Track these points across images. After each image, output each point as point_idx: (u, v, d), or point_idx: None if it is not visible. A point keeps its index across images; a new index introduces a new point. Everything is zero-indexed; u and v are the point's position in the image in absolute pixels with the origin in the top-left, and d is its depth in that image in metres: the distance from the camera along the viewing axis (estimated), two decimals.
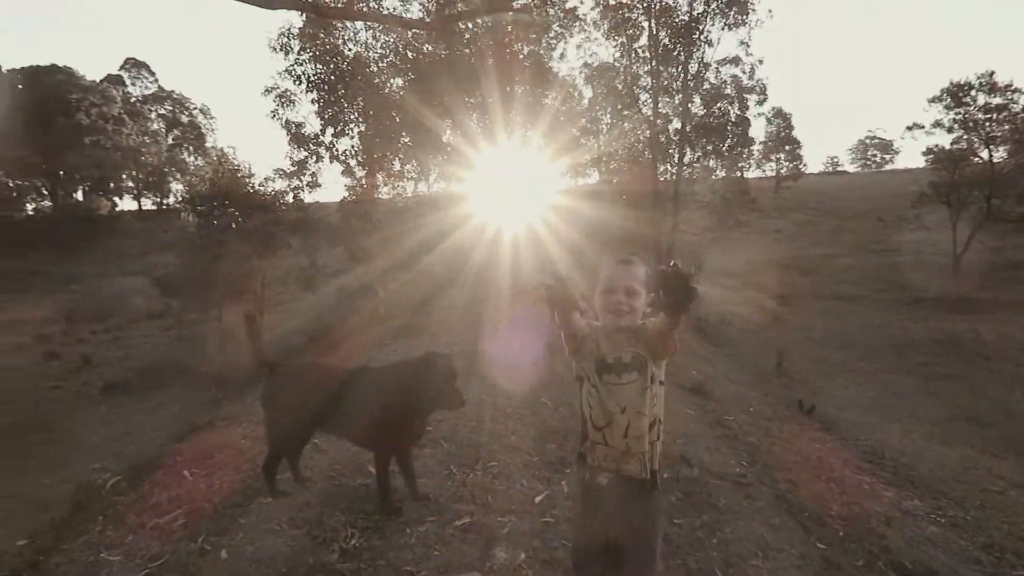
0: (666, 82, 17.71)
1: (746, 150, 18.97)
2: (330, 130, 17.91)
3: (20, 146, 39.48)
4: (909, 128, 25.96)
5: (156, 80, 55.58)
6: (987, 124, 24.02)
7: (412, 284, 18.09)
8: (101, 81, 49.64)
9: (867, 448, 6.71)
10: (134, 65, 55.04)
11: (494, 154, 16.89)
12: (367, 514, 3.26)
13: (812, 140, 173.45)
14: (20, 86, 44.70)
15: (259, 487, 3.55)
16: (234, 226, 14.67)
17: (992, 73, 23.76)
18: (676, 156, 18.13)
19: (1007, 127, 23.87)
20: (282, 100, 17.86)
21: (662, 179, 18.65)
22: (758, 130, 52.01)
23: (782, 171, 48.46)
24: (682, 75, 17.38)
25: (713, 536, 3.37)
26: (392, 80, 17.97)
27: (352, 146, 18.28)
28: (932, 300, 19.39)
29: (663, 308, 1.85)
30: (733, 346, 13.65)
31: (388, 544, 2.96)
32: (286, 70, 17.42)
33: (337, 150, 18.14)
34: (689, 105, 17.54)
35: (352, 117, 17.82)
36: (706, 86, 17.59)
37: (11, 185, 45.33)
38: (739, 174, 19.35)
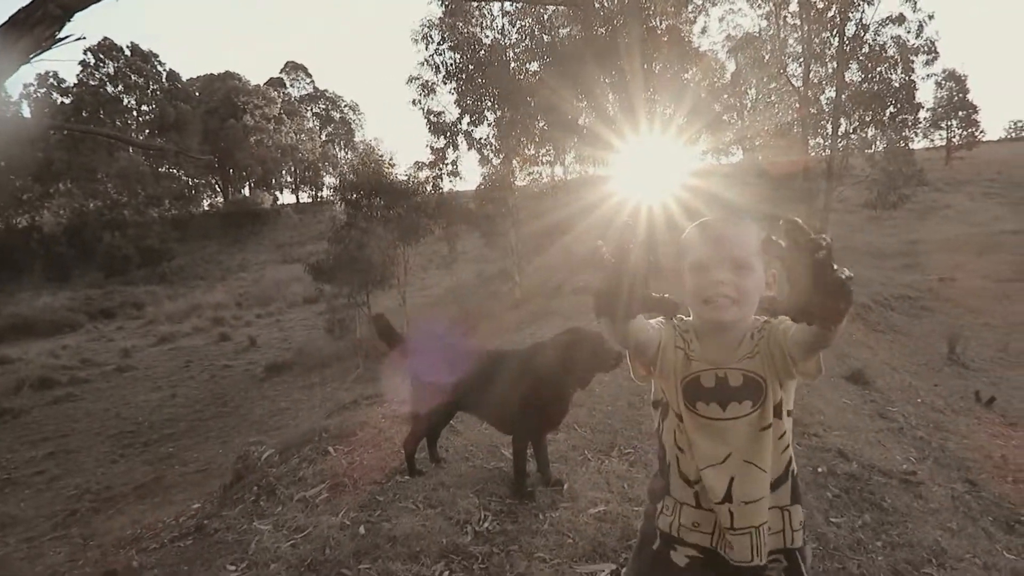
0: (818, 48, 16.42)
1: (911, 118, 17.14)
2: (467, 117, 18.37)
3: (198, 148, 43.84)
4: None
5: (312, 81, 59.89)
6: None
7: (547, 269, 18.15)
8: (264, 84, 53.89)
9: None
10: (293, 68, 59.46)
11: (631, 135, 16.48)
12: (500, 497, 3.25)
13: (992, 104, 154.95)
14: (197, 93, 49.54)
15: (396, 466, 3.65)
16: (378, 215, 15.39)
17: None
18: (829, 128, 16.78)
19: None
20: (423, 89, 18.50)
21: (813, 154, 17.38)
22: (926, 95, 47.28)
23: (954, 140, 43.64)
24: (837, 39, 16.02)
25: (877, 539, 3.06)
26: (527, 65, 18.06)
27: (488, 133, 18.67)
28: None
29: (804, 314, 0.99)
30: (896, 332, 12.50)
31: (521, 529, 2.93)
32: (426, 60, 18.08)
33: (474, 137, 18.60)
34: (845, 72, 16.12)
35: (488, 104, 18.15)
36: (864, 50, 16.08)
37: (190, 184, 50.30)
38: (903, 144, 17.53)
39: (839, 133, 16.72)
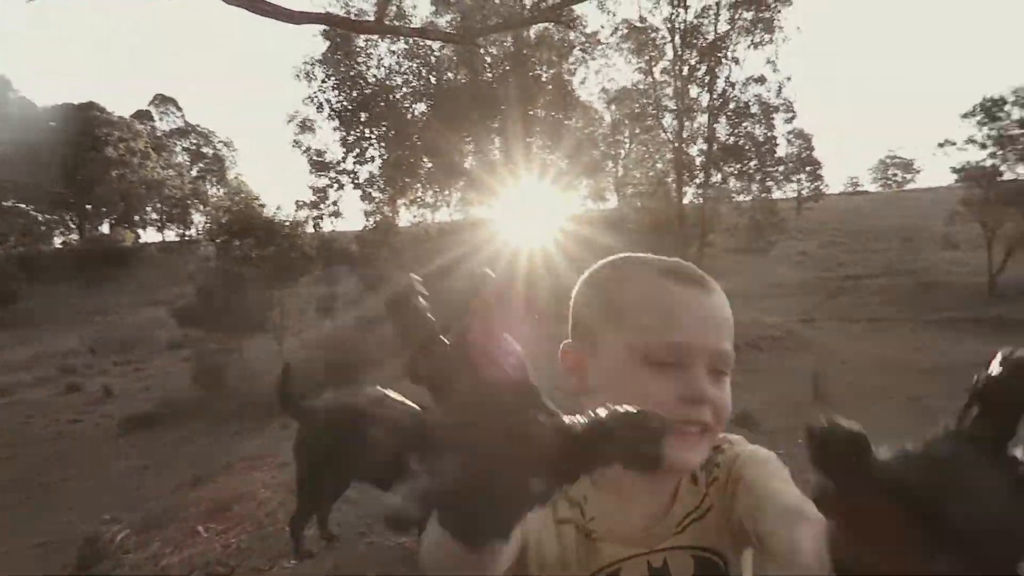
0: (691, 103, 17.50)
1: (774, 170, 18.63)
2: (352, 156, 18.00)
3: (52, 181, 40.41)
4: (941, 145, 25.30)
5: (182, 115, 57.02)
6: (1022, 139, 23.43)
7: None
8: (130, 117, 50.80)
9: None
10: (162, 101, 56.48)
11: (514, 178, 16.72)
12: None
13: (832, 160, 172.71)
14: (52, 123, 45.82)
15: (281, 547, 3.21)
16: (252, 255, 14.59)
17: None
18: (701, 178, 17.82)
19: None
20: (303, 127, 17.99)
21: (687, 201, 18.32)
22: (783, 150, 51.66)
23: (803, 192, 47.88)
24: (707, 95, 17.19)
25: None
26: (414, 105, 18.02)
27: (373, 172, 18.37)
28: (970, 322, 18.72)
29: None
30: (766, 372, 13.16)
31: None
32: (308, 97, 17.63)
33: (358, 177, 18.24)
34: (715, 125, 17.27)
35: (374, 142, 17.90)
36: (732, 106, 17.36)
37: (41, 220, 46.13)
38: (766, 195, 18.94)
39: (710, 183, 17.76)
